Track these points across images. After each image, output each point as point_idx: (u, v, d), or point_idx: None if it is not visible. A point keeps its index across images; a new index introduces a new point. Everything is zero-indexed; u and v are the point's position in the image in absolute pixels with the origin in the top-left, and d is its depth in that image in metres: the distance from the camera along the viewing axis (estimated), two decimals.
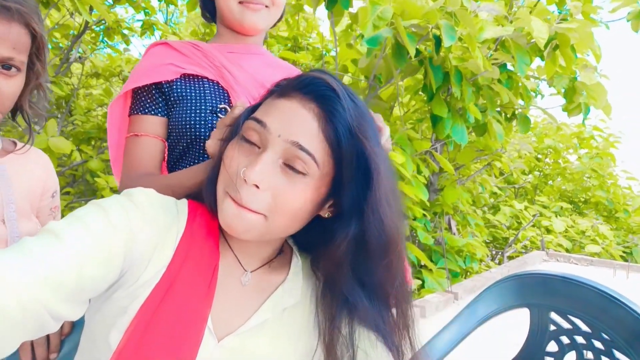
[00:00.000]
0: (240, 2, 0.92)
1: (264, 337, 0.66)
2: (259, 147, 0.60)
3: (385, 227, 0.62)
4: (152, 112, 0.94)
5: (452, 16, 1.61)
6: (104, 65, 3.48)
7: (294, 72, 1.00)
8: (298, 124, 0.59)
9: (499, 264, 5.15)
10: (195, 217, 0.67)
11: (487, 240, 5.70)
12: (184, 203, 0.69)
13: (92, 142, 3.57)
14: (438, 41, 1.73)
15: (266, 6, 0.94)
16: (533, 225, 5.87)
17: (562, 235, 6.13)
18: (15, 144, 0.92)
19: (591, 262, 5.54)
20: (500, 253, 5.61)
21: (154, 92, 0.94)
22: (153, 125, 0.93)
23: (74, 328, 0.79)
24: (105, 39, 3.10)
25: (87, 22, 2.62)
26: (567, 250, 5.98)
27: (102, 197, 2.78)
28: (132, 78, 0.94)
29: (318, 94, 0.61)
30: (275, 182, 0.59)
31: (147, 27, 3.09)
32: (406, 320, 0.66)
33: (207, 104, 0.94)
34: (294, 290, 0.69)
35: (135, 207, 0.62)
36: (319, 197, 0.61)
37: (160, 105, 0.95)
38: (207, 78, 0.95)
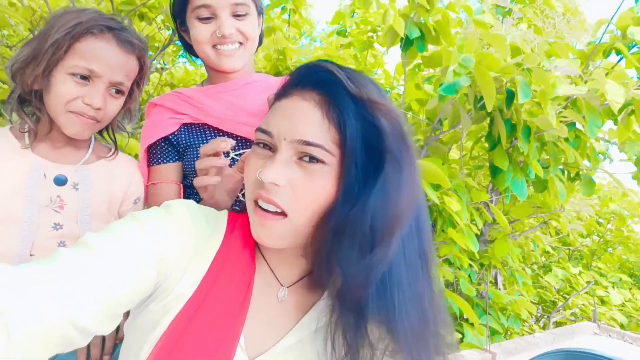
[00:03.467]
0: (213, 47, 0.99)
1: (297, 356, 0.63)
2: (272, 151, 0.61)
3: (390, 211, 0.56)
4: (164, 161, 1.04)
5: (527, 72, 1.60)
6: (179, 77, 3.70)
7: None
8: (300, 120, 0.58)
9: (544, 328, 4.84)
10: (233, 230, 0.67)
11: (534, 301, 5.39)
12: (223, 215, 0.69)
13: None
14: (510, 94, 1.72)
15: (240, 43, 1.00)
16: (586, 293, 5.49)
17: (617, 308, 5.69)
18: (109, 150, 1.03)
19: None
20: (546, 317, 5.28)
21: (163, 144, 1.04)
22: (166, 172, 1.04)
23: None
24: (185, 53, 3.31)
25: (171, 37, 2.82)
26: (621, 327, 5.52)
27: None
28: (143, 137, 1.05)
29: (316, 81, 0.59)
30: (293, 176, 0.58)
31: None
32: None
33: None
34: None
35: (173, 220, 0.62)
36: (338, 183, 0.59)
37: (171, 153, 1.04)
38: (207, 125, 1.03)
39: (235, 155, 1.03)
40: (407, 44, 1.74)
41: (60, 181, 0.94)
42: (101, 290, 0.52)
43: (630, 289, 6.15)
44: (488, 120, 2.02)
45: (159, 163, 1.04)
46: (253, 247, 0.67)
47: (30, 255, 0.89)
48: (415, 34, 1.70)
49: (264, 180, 0.57)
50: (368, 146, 0.57)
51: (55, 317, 0.48)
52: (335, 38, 3.37)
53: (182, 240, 0.61)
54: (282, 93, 0.63)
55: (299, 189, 0.58)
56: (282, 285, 0.67)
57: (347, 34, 3.24)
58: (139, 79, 1.01)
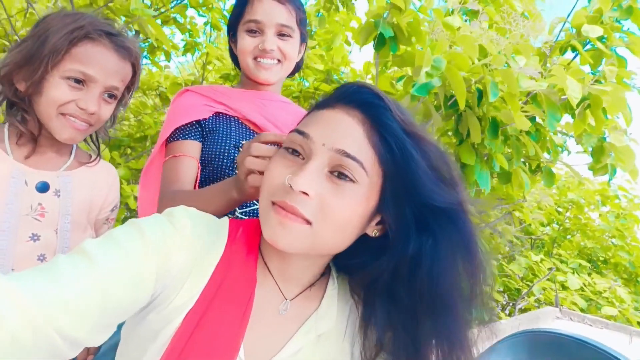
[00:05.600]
0: (254, 58, 1.09)
1: None
2: (303, 158, 0.58)
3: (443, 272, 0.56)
4: (191, 138, 1.06)
5: (495, 72, 1.67)
6: (143, 79, 3.63)
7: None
8: (342, 131, 0.56)
9: (509, 315, 5.02)
10: (234, 240, 0.65)
11: (500, 290, 5.57)
12: (225, 223, 0.67)
13: (122, 150, 3.68)
14: (479, 93, 1.79)
15: (278, 60, 1.09)
16: (548, 279, 5.73)
17: (577, 293, 5.96)
18: (90, 157, 1.01)
19: (606, 326, 5.35)
20: (511, 304, 5.47)
21: (194, 123, 1.07)
22: (190, 147, 1.05)
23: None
24: (148, 54, 3.25)
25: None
26: (582, 310, 5.79)
27: (127, 205, 2.83)
28: (174, 117, 1.07)
29: (361, 102, 0.58)
30: (322, 190, 0.56)
31: (190, 48, 3.23)
32: None
33: (232, 139, 1.06)
34: (329, 316, 0.66)
35: (175, 229, 0.60)
36: (368, 209, 0.58)
37: (199, 134, 1.07)
38: (235, 116, 1.09)
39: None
40: (379, 42, 1.78)
41: (42, 188, 0.91)
42: (95, 300, 0.50)
43: (589, 273, 6.46)
44: (455, 117, 2.08)
45: (185, 139, 1.06)
46: (256, 257, 0.65)
47: (12, 270, 0.86)
48: (389, 33, 1.74)
49: (294, 187, 0.55)
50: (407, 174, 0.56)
51: (42, 326, 0.46)
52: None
53: (183, 252, 0.59)
54: (324, 104, 0.61)
55: (328, 205, 0.55)
56: (285, 299, 0.66)
57: (312, 33, 3.26)
58: (131, 84, 1.00)
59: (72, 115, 0.89)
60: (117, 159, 2.97)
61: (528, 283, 5.69)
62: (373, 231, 0.62)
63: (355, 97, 0.59)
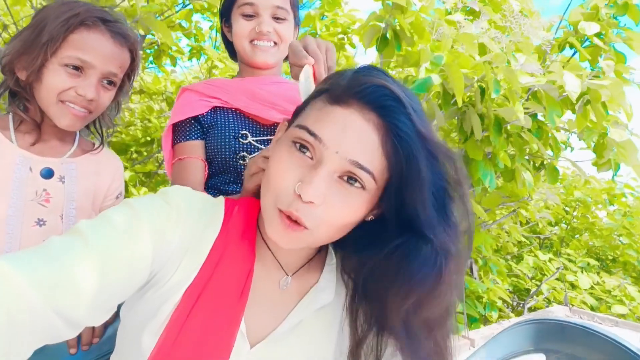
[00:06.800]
0: (251, 42, 1.10)
1: (298, 339, 0.64)
2: (311, 157, 0.56)
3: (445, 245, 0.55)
4: (192, 138, 1.09)
5: (496, 70, 1.70)
6: (149, 84, 3.68)
7: None
8: (357, 139, 0.54)
9: (519, 315, 5.00)
10: (230, 218, 0.64)
11: (509, 290, 5.55)
12: (220, 202, 0.67)
13: (129, 154, 3.73)
14: (481, 91, 1.82)
15: (275, 43, 1.11)
16: (557, 279, 5.70)
17: (587, 292, 5.91)
18: (93, 145, 1.04)
19: (616, 323, 5.30)
20: (521, 304, 5.45)
21: (192, 122, 1.09)
22: (193, 148, 1.08)
23: (117, 315, 0.83)
24: (154, 59, 3.31)
25: (140, 43, 2.81)
26: (591, 309, 5.75)
27: None
28: (173, 116, 1.10)
29: (379, 104, 0.54)
30: (330, 196, 0.55)
31: (195, 52, 3.27)
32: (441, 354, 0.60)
33: (231, 131, 1.08)
34: (328, 289, 0.66)
35: (169, 207, 0.59)
36: (370, 207, 0.58)
37: (198, 132, 1.09)
38: (232, 108, 1.11)
39: (255, 141, 1.08)
40: (383, 43, 1.81)
41: (47, 174, 0.93)
42: (92, 281, 0.50)
43: (598, 272, 6.42)
44: (458, 115, 2.11)
45: (187, 140, 1.08)
46: (254, 234, 0.65)
47: None
48: (392, 33, 1.77)
49: (303, 198, 0.53)
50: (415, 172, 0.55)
51: (40, 307, 0.46)
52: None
53: (178, 230, 0.59)
54: (339, 98, 0.56)
55: (332, 209, 0.55)
56: (286, 274, 0.66)
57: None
58: (130, 71, 1.02)
59: (71, 102, 0.91)
60: (125, 164, 3.03)
61: (537, 283, 5.66)
62: (369, 216, 0.62)
63: (373, 98, 0.54)
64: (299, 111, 0.63)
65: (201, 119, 1.09)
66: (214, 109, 1.11)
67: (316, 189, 0.53)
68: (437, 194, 0.55)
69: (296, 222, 0.55)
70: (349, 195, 0.55)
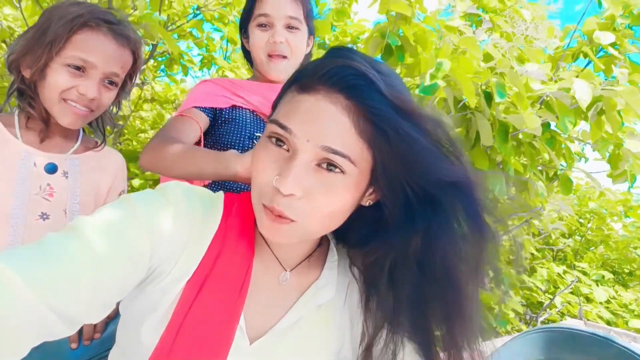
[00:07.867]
0: (268, 56, 1.15)
1: (298, 336, 0.63)
2: (288, 150, 0.55)
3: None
4: (203, 113, 1.11)
5: (501, 75, 1.68)
6: (160, 92, 3.73)
7: None
8: (326, 124, 0.52)
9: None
10: (230, 213, 0.64)
11: (522, 303, 5.45)
12: (219, 197, 0.66)
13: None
14: (487, 97, 1.80)
15: (284, 56, 1.15)
16: (571, 292, 5.58)
17: (603, 306, 5.77)
18: (96, 143, 1.06)
19: (634, 339, 5.18)
20: (534, 318, 5.34)
21: (209, 109, 1.12)
22: (200, 116, 1.10)
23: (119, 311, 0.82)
24: (166, 68, 3.35)
25: (151, 52, 2.84)
26: (608, 323, 5.61)
27: None
28: (193, 99, 1.12)
29: (345, 85, 0.52)
30: (311, 186, 0.53)
31: (207, 62, 3.31)
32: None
33: (247, 131, 1.11)
34: (329, 286, 0.65)
35: (168, 203, 0.59)
36: (359, 192, 0.56)
37: (211, 115, 1.12)
38: (249, 109, 1.14)
39: (261, 135, 1.10)
40: (387, 53, 1.81)
41: (51, 169, 0.95)
42: (90, 278, 0.49)
43: (613, 286, 6.28)
44: (464, 122, 2.09)
45: (197, 109, 1.10)
46: (253, 229, 0.64)
47: None
48: (396, 42, 1.77)
49: (282, 191, 0.52)
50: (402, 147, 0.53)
51: (34, 304, 0.45)
52: (316, 51, 3.44)
53: (177, 226, 0.58)
54: (306, 86, 0.55)
55: (316, 200, 0.54)
56: (285, 270, 0.65)
57: (326, 46, 3.31)
58: (132, 72, 1.03)
59: (73, 101, 0.93)
60: (135, 171, 3.05)
61: (550, 296, 5.55)
62: (367, 201, 0.60)
63: (337, 79, 0.53)
64: (274, 105, 0.63)
65: (218, 111, 1.13)
66: (233, 107, 1.14)
67: (293, 182, 0.52)
68: (435, 146, 0.54)
69: (280, 216, 0.55)
70: (329, 182, 0.54)
